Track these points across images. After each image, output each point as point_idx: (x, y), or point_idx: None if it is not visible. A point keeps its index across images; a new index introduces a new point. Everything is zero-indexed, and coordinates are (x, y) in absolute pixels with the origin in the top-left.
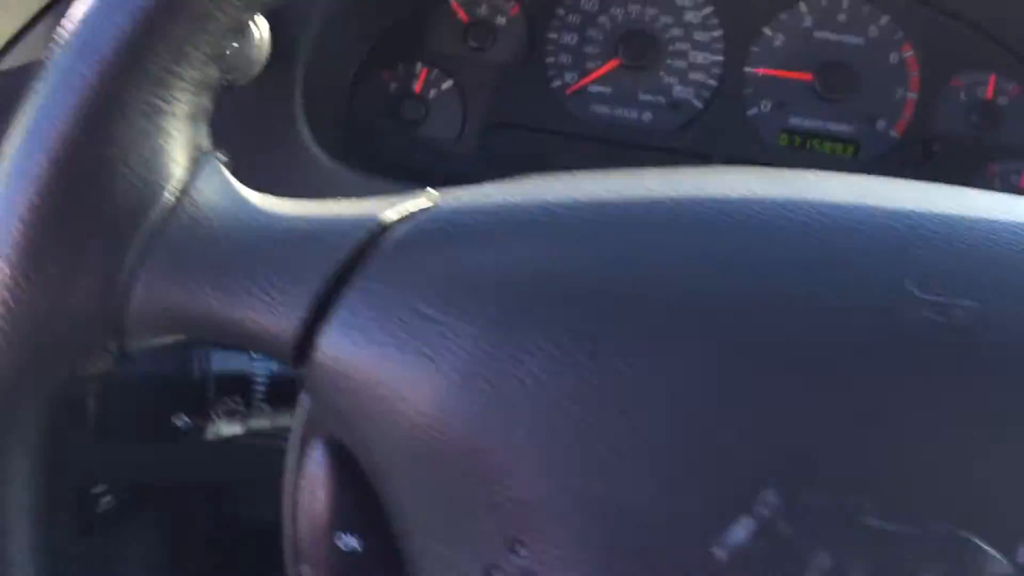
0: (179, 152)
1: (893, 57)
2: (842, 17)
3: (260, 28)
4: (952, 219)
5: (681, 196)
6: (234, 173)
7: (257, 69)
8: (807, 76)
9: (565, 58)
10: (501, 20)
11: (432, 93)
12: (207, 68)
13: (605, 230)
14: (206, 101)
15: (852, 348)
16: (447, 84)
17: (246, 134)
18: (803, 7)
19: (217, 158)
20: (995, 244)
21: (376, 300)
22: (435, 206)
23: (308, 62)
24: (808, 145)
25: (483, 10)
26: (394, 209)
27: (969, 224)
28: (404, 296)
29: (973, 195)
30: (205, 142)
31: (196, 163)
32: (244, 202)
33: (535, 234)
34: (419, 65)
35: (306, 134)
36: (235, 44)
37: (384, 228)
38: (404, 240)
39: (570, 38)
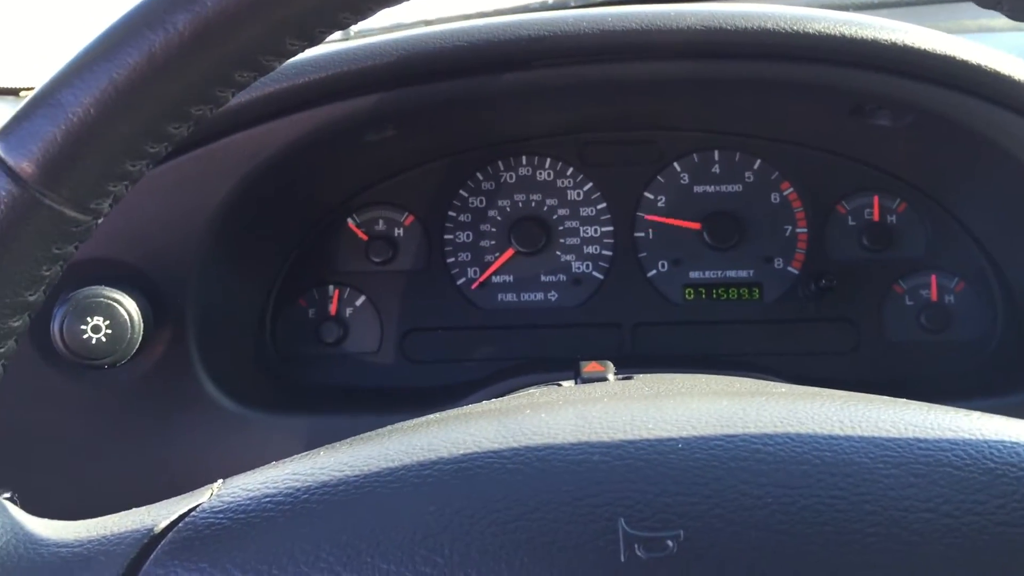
0: None
1: (775, 197)
2: (716, 169)
3: (129, 309)
4: (658, 449)
5: (411, 462)
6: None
7: (133, 348)
8: (696, 225)
9: (464, 256)
10: (399, 232)
11: (348, 311)
12: None
13: (344, 510)
14: None
15: None
16: (360, 300)
17: (152, 402)
18: (677, 166)
19: (0, 498)
20: (697, 475)
21: None
22: (199, 509)
23: (201, 322)
24: (714, 295)
25: (380, 226)
26: (165, 516)
27: (671, 453)
28: None
29: (683, 419)
30: None
31: None
32: (25, 538)
33: (297, 528)
34: (331, 287)
35: (211, 389)
36: (108, 329)
37: (152, 539)
38: (170, 551)
39: (465, 236)
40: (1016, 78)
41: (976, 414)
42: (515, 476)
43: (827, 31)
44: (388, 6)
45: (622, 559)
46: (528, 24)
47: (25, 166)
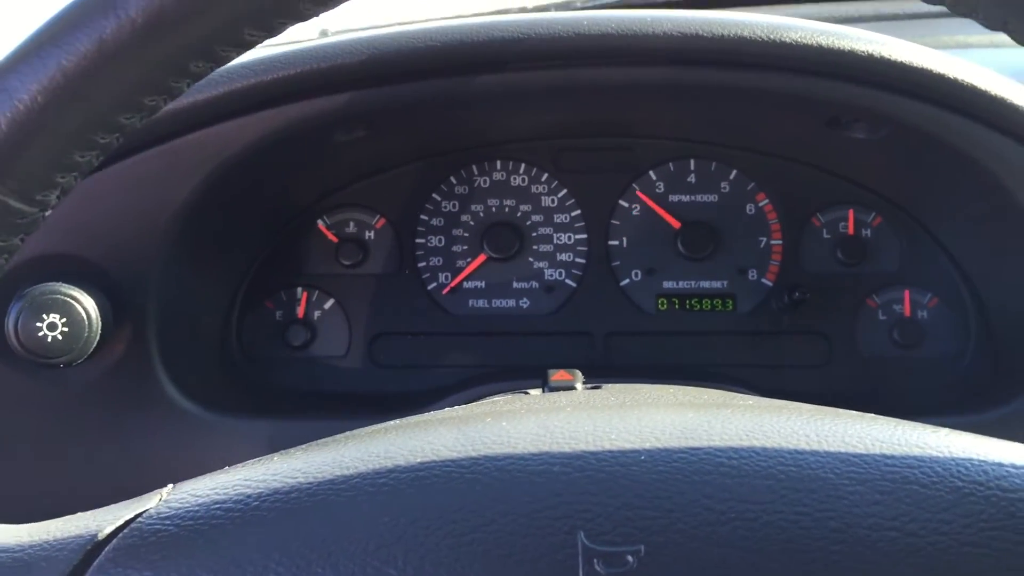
0: None
1: (750, 208)
2: (692, 178)
3: (87, 307)
4: (620, 461)
5: (366, 469)
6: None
7: (90, 347)
8: (676, 224)
9: (436, 260)
10: (369, 235)
11: (316, 314)
12: None
13: (295, 519)
14: None
15: None
16: (329, 303)
17: (109, 402)
18: (652, 175)
19: None
20: (660, 488)
21: None
22: (146, 514)
23: (163, 322)
24: (687, 305)
25: (351, 228)
26: (110, 522)
27: (634, 465)
28: None
29: (647, 431)
30: None
31: None
32: None
33: (245, 537)
34: (299, 290)
35: (172, 391)
36: (64, 327)
37: (96, 545)
38: (114, 557)
39: (437, 241)
40: (993, 93)
41: (944, 431)
42: (473, 486)
43: (804, 40)
44: None
45: (580, 574)
46: (502, 26)
47: None
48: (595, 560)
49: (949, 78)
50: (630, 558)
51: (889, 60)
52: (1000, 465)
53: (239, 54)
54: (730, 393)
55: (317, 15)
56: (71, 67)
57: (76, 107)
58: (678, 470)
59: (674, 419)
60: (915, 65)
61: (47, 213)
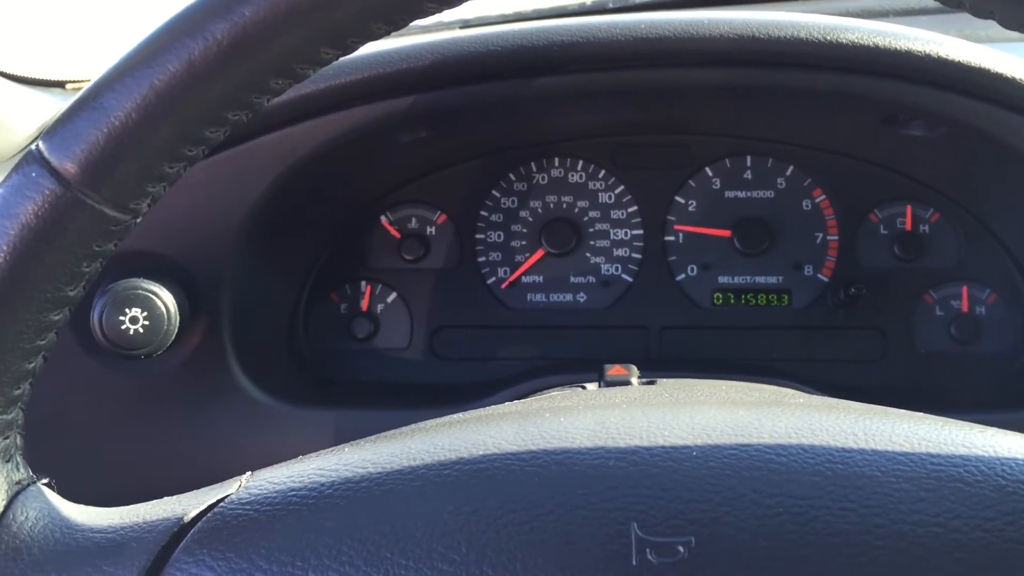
0: None
1: (806, 204)
2: (748, 175)
3: (166, 301)
4: (673, 456)
5: (432, 461)
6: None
7: (169, 339)
8: (726, 233)
9: (495, 255)
10: (431, 230)
11: (379, 308)
12: (5, 414)
13: (366, 506)
14: (13, 440)
15: None
16: (392, 297)
17: (186, 392)
18: (709, 171)
19: (39, 484)
20: (710, 482)
21: None
22: (228, 500)
23: (236, 315)
24: (743, 300)
25: (413, 224)
26: (195, 506)
27: (686, 460)
28: None
29: (699, 428)
30: (20, 475)
31: (14, 497)
32: (61, 523)
33: (320, 522)
34: (363, 284)
35: (243, 381)
36: (145, 321)
37: (182, 528)
38: (199, 539)
39: (497, 236)
40: None
41: (991, 430)
42: (532, 478)
43: (861, 41)
44: (420, 16)
45: (634, 563)
46: (562, 30)
47: (68, 167)
48: (648, 550)
49: (1005, 76)
50: (681, 548)
51: (946, 59)
52: None
53: (315, 71)
54: (782, 390)
55: (388, 34)
56: (162, 86)
57: (167, 122)
58: (728, 465)
59: (725, 416)
60: (972, 64)
61: (138, 220)
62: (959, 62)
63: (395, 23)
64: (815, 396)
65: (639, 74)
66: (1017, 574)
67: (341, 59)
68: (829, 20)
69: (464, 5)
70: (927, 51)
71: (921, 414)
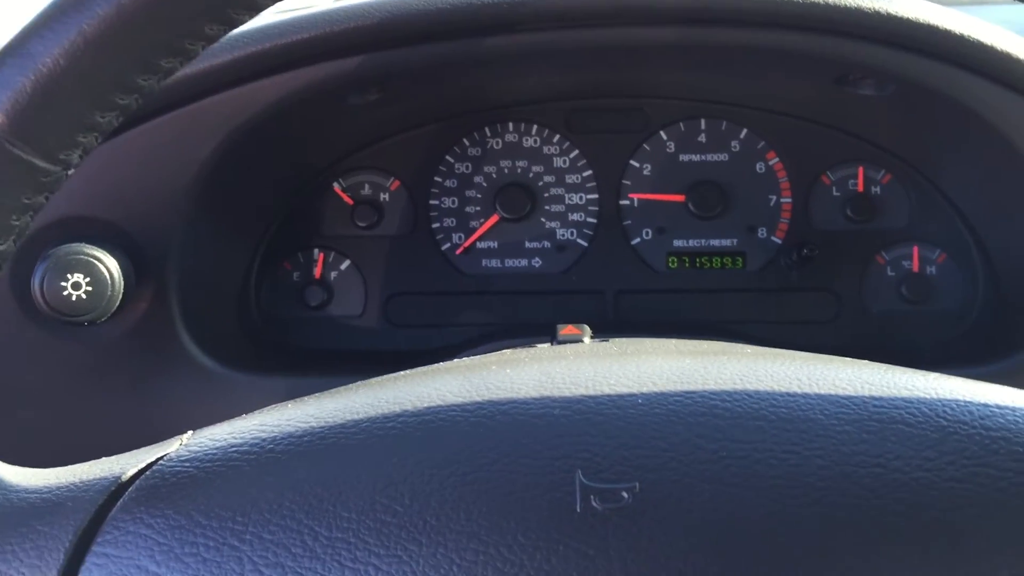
0: None
1: (760, 167)
2: (702, 138)
3: (109, 267)
4: (618, 404)
5: (376, 414)
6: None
7: (113, 306)
8: (680, 198)
9: (450, 221)
10: (384, 197)
11: (333, 275)
12: None
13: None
14: None
15: (532, 535)
16: (345, 264)
17: (132, 359)
18: (663, 135)
19: None
20: (655, 429)
21: (111, 565)
22: (167, 458)
23: (184, 282)
24: (698, 263)
25: (366, 190)
26: (133, 465)
27: (631, 408)
28: (135, 556)
29: (645, 376)
30: None
31: None
32: None
33: (261, 477)
34: (316, 251)
35: (192, 348)
36: (88, 287)
37: (120, 486)
38: (138, 497)
39: (451, 202)
40: (1000, 49)
41: (933, 375)
42: (477, 429)
43: None
44: None
45: (578, 509)
46: None
47: None
48: (592, 496)
49: (952, 33)
50: (625, 494)
51: (895, 16)
52: (985, 405)
53: (251, 17)
54: (730, 344)
55: None
56: (92, 31)
57: (97, 69)
58: (673, 412)
59: (671, 365)
60: (920, 21)
61: (70, 172)
62: (908, 19)
63: None
64: (763, 347)
65: (591, 33)
66: (956, 512)
67: (288, 18)
68: None
69: None
70: (876, 8)
71: (865, 361)
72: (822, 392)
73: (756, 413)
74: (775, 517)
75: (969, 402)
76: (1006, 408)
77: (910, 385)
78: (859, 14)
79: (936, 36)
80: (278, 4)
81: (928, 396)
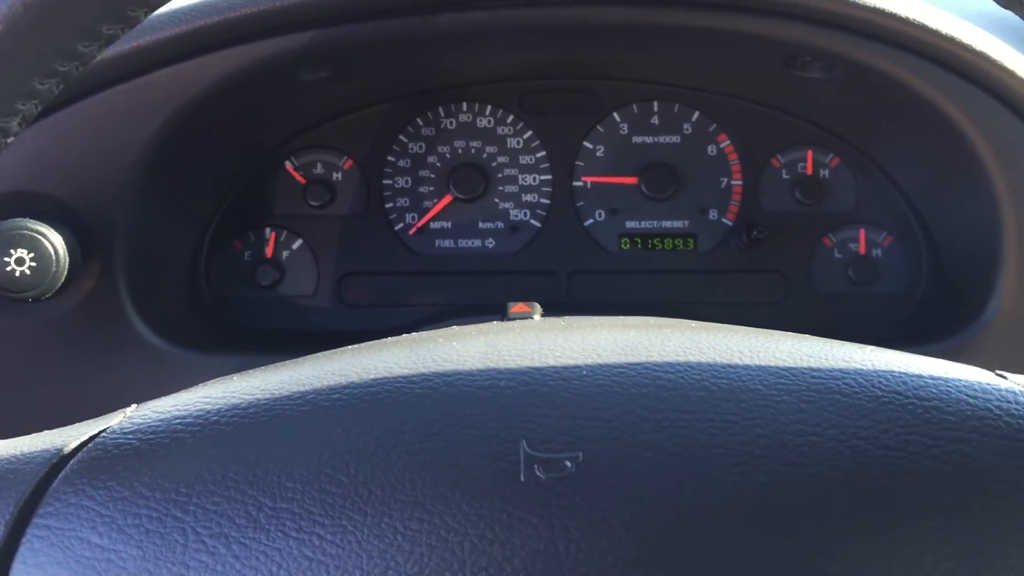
0: None
1: (711, 149)
2: (655, 120)
3: (54, 243)
4: (563, 375)
5: (321, 386)
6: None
7: (58, 282)
8: (633, 180)
9: (403, 201)
10: (337, 176)
11: (284, 255)
12: None
13: (253, 432)
14: None
15: (476, 504)
16: (297, 244)
17: (78, 337)
18: (617, 116)
19: None
20: (599, 400)
21: (53, 537)
22: (109, 430)
23: (131, 259)
24: (650, 244)
25: (318, 169)
26: (75, 438)
27: (575, 379)
28: (77, 528)
29: (589, 348)
30: None
31: None
32: None
33: (206, 449)
34: (267, 230)
35: (140, 327)
36: (32, 262)
37: (62, 459)
38: (79, 469)
39: (404, 182)
40: (944, 33)
41: (870, 348)
42: (422, 400)
43: None
44: None
45: (522, 479)
46: None
47: None
48: (536, 466)
49: (898, 16)
50: (568, 463)
51: (841, 0)
52: (919, 376)
53: None
54: (677, 320)
55: None
56: None
57: (35, 34)
58: (617, 383)
59: (616, 337)
60: (865, 5)
61: (9, 140)
62: (855, 3)
63: None
64: (706, 323)
65: (545, 12)
66: (889, 478)
67: None
68: None
69: None
70: None
71: (805, 335)
72: (762, 364)
73: (698, 384)
74: (715, 485)
75: (904, 373)
76: (939, 379)
77: (847, 357)
78: None
79: (882, 20)
80: None
81: (864, 368)
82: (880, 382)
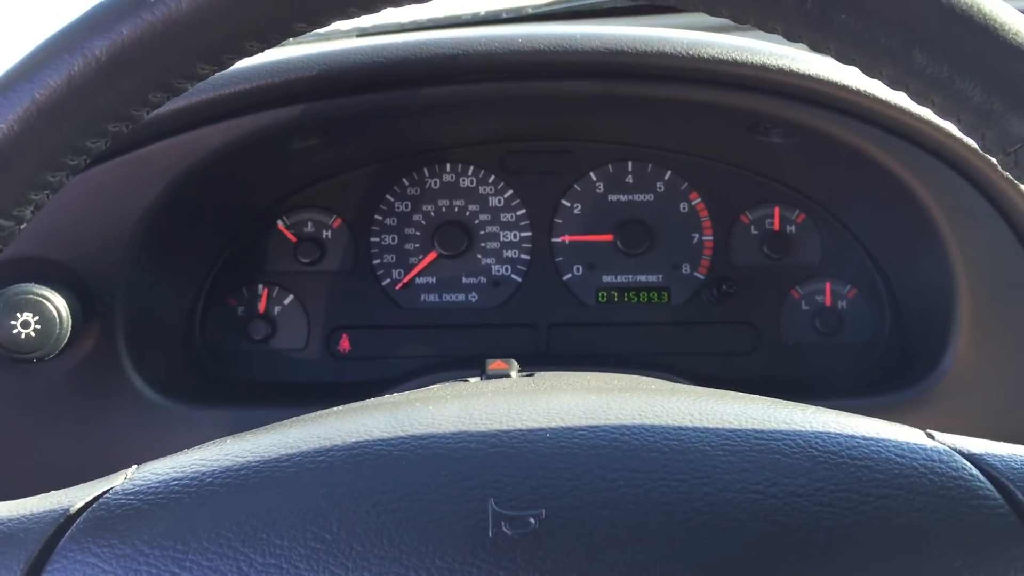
0: None
1: (683, 206)
2: (629, 179)
3: (58, 306)
4: (528, 438)
5: (308, 449)
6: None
7: (61, 343)
8: (608, 237)
9: (390, 258)
10: (327, 234)
11: (276, 310)
12: None
13: (244, 493)
14: None
15: (448, 559)
16: (288, 299)
17: (80, 395)
18: (593, 176)
19: None
20: (561, 460)
21: None
22: (112, 491)
23: (130, 319)
24: (625, 298)
25: (309, 228)
26: (80, 498)
27: (540, 441)
28: None
29: (554, 412)
30: None
31: None
32: None
33: (200, 509)
34: (260, 287)
35: (138, 383)
36: (37, 325)
37: (68, 518)
38: (85, 528)
39: (391, 239)
40: (892, 102)
41: (812, 409)
42: (399, 462)
43: (720, 56)
44: (291, 36)
45: (490, 535)
46: (445, 43)
47: None
48: (503, 522)
49: (852, 88)
50: (532, 520)
51: (798, 73)
52: (853, 437)
53: (193, 84)
54: (640, 379)
55: (260, 52)
56: (43, 100)
57: (48, 134)
58: (578, 445)
59: (578, 402)
60: (819, 77)
61: (22, 226)
62: (810, 75)
63: (267, 42)
64: (666, 383)
65: (519, 85)
66: (824, 532)
67: (230, 69)
68: (693, 36)
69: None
70: (780, 65)
71: (754, 396)
72: (710, 426)
73: (652, 445)
74: (666, 538)
75: (839, 434)
76: (871, 439)
77: (788, 419)
78: (764, 70)
79: (835, 90)
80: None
81: (803, 429)
82: (817, 443)
